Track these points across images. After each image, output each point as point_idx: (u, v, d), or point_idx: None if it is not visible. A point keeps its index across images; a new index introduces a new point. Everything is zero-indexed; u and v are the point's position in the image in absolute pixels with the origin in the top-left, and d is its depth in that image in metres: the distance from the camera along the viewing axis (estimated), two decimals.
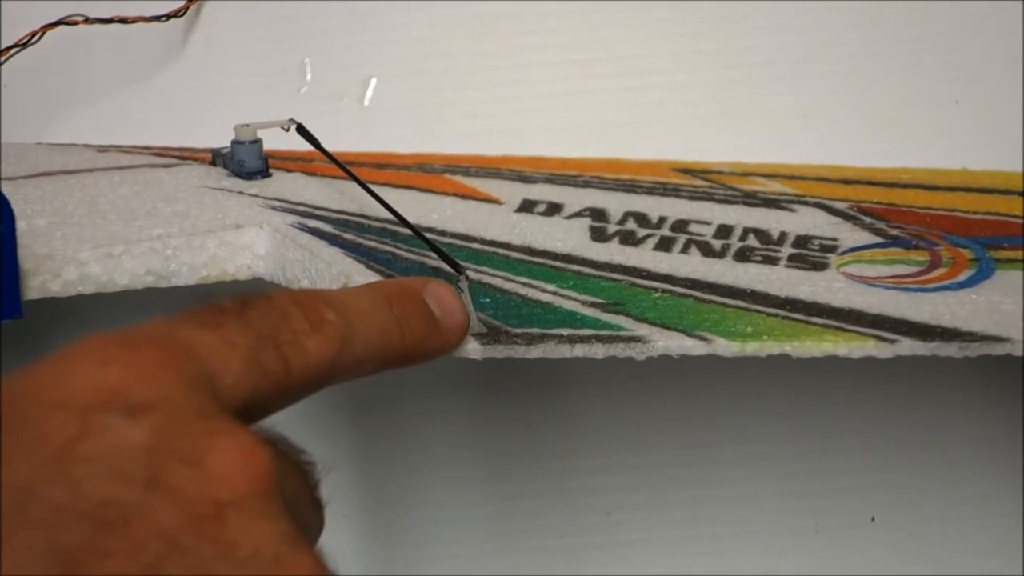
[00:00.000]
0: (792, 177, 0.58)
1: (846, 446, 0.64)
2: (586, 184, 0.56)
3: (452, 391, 0.64)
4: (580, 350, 0.41)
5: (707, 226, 0.52)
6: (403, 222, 0.47)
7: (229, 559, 0.25)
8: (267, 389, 0.29)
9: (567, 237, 0.50)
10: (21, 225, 0.46)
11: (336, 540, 0.70)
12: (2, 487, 0.24)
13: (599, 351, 0.41)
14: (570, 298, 0.44)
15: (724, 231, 0.51)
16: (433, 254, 0.46)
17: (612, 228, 0.51)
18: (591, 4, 0.61)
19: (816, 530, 0.65)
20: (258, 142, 0.55)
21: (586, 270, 0.47)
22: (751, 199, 0.55)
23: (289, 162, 0.57)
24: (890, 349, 0.41)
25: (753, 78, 0.62)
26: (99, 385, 0.26)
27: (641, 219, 0.52)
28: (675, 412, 0.64)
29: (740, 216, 0.53)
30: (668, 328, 0.42)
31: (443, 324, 0.36)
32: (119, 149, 0.61)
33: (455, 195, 0.55)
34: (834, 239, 0.50)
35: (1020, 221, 0.52)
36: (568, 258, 0.48)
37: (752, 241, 0.50)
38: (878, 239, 0.51)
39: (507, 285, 0.45)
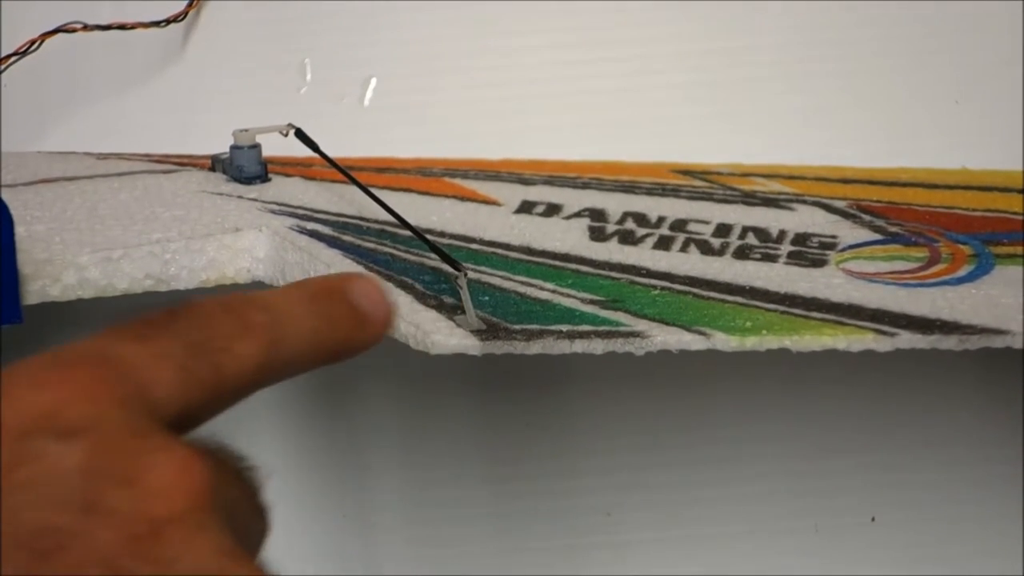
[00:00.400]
0: (791, 177, 0.58)
1: (846, 446, 0.64)
2: (585, 185, 0.57)
3: (452, 391, 0.64)
4: (579, 346, 0.41)
5: (706, 225, 0.52)
6: (401, 221, 0.47)
7: None
8: (201, 397, 0.28)
9: (566, 237, 0.50)
10: (20, 231, 0.46)
11: (336, 540, 0.70)
12: None
13: (598, 347, 0.41)
14: (569, 296, 0.44)
15: (723, 230, 0.51)
16: (432, 254, 0.46)
17: (611, 228, 0.51)
18: (591, 4, 0.61)
19: (816, 530, 0.65)
20: (257, 147, 0.55)
21: (585, 269, 0.47)
22: (750, 199, 0.55)
23: (289, 167, 0.57)
24: (889, 342, 0.41)
25: (753, 78, 0.62)
26: (32, 410, 0.25)
27: (640, 219, 0.52)
28: (675, 413, 0.64)
29: (739, 215, 0.53)
30: (667, 324, 0.42)
31: (371, 317, 0.36)
32: (119, 156, 0.61)
33: (454, 197, 0.55)
34: (833, 236, 0.50)
35: (1020, 218, 0.53)
36: (567, 257, 0.48)
37: (751, 239, 0.50)
38: (877, 236, 0.51)
39: (506, 284, 0.45)
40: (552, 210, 0.53)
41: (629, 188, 0.56)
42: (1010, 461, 0.63)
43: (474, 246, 0.49)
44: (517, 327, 0.41)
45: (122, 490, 0.25)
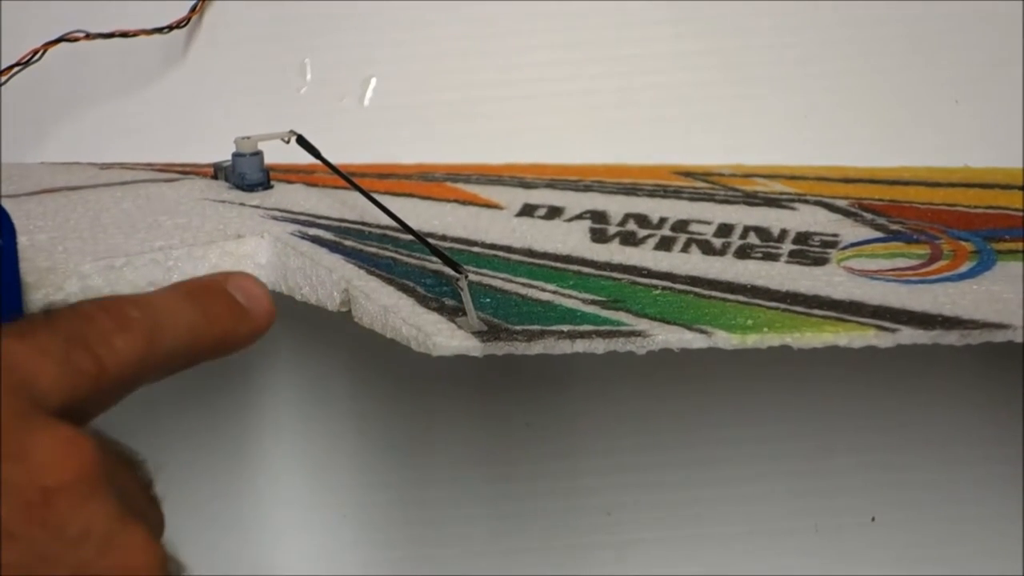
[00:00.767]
0: (793, 177, 0.58)
1: (846, 446, 0.64)
2: (587, 188, 0.57)
3: (452, 391, 0.64)
4: (580, 346, 0.41)
5: (707, 225, 0.52)
6: (402, 225, 0.48)
7: (61, 540, 0.28)
8: (84, 388, 0.30)
9: (567, 239, 0.50)
10: (23, 240, 0.46)
11: (336, 540, 0.70)
12: None
13: (599, 346, 0.41)
14: (570, 296, 0.45)
15: (724, 230, 0.51)
16: (433, 258, 0.46)
17: (612, 229, 0.51)
18: (591, 5, 0.61)
19: (816, 530, 0.65)
20: (259, 154, 0.55)
21: (586, 270, 0.47)
22: (752, 199, 0.55)
23: (291, 174, 0.57)
24: (891, 338, 0.41)
25: (753, 78, 0.62)
26: None
27: (641, 220, 0.52)
28: (675, 412, 0.64)
29: (741, 215, 0.53)
30: (668, 323, 0.42)
31: (250, 311, 0.37)
32: (122, 166, 0.61)
33: (456, 201, 0.55)
34: (835, 235, 0.51)
35: (1021, 214, 0.53)
36: (568, 259, 0.48)
37: (752, 239, 0.50)
38: (879, 234, 0.51)
39: (507, 286, 0.46)
40: (554, 213, 0.54)
41: (631, 190, 0.56)
42: (1010, 461, 0.63)
43: (476, 249, 0.49)
44: (518, 328, 0.42)
45: (14, 464, 0.28)
